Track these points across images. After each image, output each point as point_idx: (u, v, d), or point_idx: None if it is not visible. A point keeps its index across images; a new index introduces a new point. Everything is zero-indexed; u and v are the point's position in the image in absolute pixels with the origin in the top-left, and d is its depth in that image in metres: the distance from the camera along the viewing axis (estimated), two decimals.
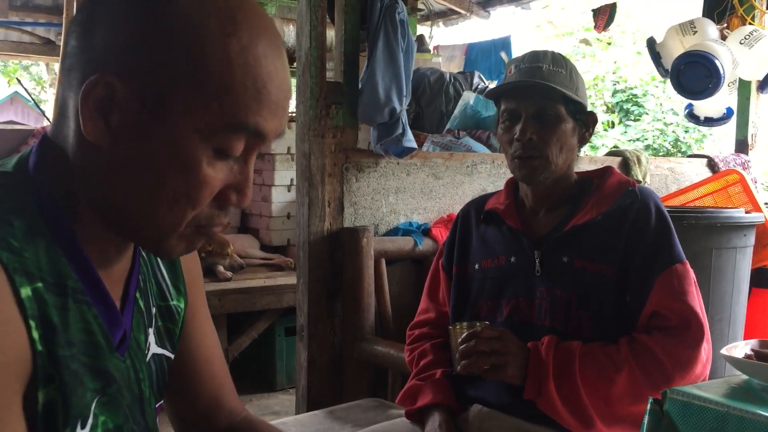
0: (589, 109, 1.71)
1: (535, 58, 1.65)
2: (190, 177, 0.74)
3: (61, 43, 6.03)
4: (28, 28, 7.08)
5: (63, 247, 0.75)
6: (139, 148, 0.73)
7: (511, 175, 1.76)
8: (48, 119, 5.81)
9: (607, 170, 1.73)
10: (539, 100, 1.61)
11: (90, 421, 0.76)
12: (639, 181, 3.39)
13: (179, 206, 0.75)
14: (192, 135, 0.73)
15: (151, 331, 0.92)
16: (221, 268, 3.97)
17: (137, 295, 0.88)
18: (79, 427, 0.74)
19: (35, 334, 0.70)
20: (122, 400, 0.82)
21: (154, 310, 0.93)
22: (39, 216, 0.74)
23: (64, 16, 5.64)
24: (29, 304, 0.70)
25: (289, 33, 5.46)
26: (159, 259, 0.96)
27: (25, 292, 0.70)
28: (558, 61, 1.65)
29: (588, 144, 1.76)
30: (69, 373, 0.73)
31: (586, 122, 1.69)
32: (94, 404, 0.77)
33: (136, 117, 0.72)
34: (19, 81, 8.25)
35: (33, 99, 6.88)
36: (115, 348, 0.81)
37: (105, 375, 0.79)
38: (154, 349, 0.93)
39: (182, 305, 0.99)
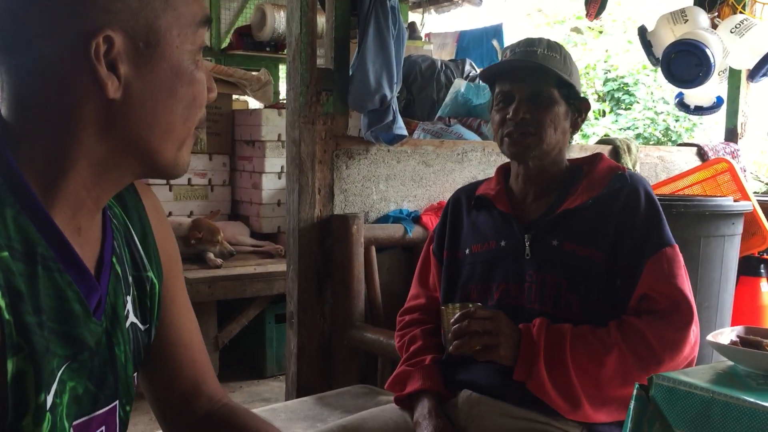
0: (582, 95, 1.72)
1: (530, 43, 1.68)
2: (195, 83, 0.84)
3: None
4: None
5: (31, 216, 0.76)
6: (151, 83, 0.80)
7: (501, 162, 1.77)
8: None
9: (597, 157, 1.74)
10: (533, 82, 1.63)
11: (55, 386, 0.77)
12: (628, 169, 3.39)
13: (191, 115, 0.85)
14: (183, 47, 0.82)
15: (128, 298, 0.92)
16: (211, 255, 3.95)
17: (113, 260, 0.89)
18: (46, 393, 0.75)
19: (2, 302, 0.71)
20: (93, 366, 0.83)
21: (130, 278, 0.94)
22: (6, 188, 0.75)
23: None
24: None
25: (281, 20, 5.43)
26: (132, 229, 0.97)
27: None
28: (553, 46, 1.67)
29: (579, 132, 1.77)
30: (38, 340, 0.74)
31: (579, 108, 1.70)
32: (62, 370, 0.78)
33: (138, 58, 0.79)
34: None
35: None
36: (92, 313, 0.82)
37: (76, 341, 0.80)
38: (132, 317, 0.93)
39: (156, 281, 0.99)
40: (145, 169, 0.85)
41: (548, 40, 1.69)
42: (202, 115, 0.87)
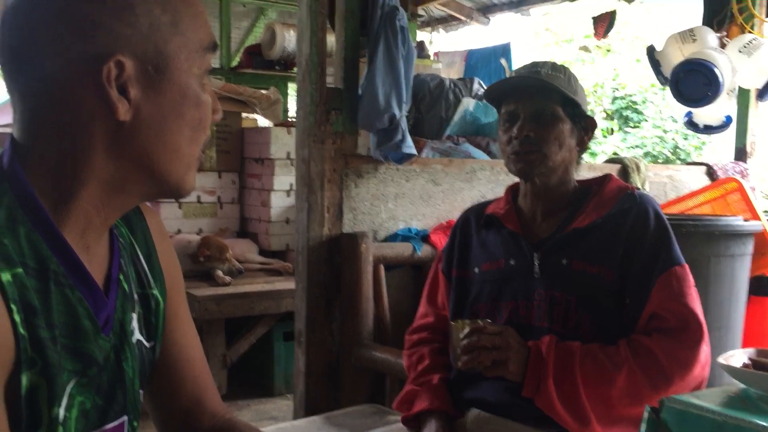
0: (588, 114, 1.73)
1: (535, 65, 1.70)
2: (201, 106, 0.86)
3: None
4: None
5: (43, 234, 0.78)
6: (160, 105, 0.82)
7: (510, 182, 1.77)
8: None
9: (606, 177, 1.74)
10: (537, 100, 1.65)
11: (65, 401, 0.78)
12: (637, 188, 3.39)
13: (197, 137, 0.87)
14: (190, 71, 0.84)
15: (134, 315, 0.94)
16: (220, 273, 3.96)
17: (120, 277, 0.91)
18: (58, 406, 0.77)
19: (17, 318, 0.73)
20: (102, 381, 0.85)
21: (135, 296, 0.95)
22: (18, 206, 0.77)
23: None
24: (10, 289, 0.73)
25: (290, 39, 5.47)
26: (137, 247, 0.98)
27: (5, 277, 0.73)
28: (557, 67, 1.69)
29: (587, 151, 1.77)
30: (52, 355, 0.76)
31: (585, 126, 1.71)
32: (71, 385, 0.79)
33: (148, 81, 0.81)
34: None
35: None
36: (101, 329, 0.84)
37: (86, 357, 0.82)
38: (137, 334, 0.94)
39: (161, 299, 1.01)
40: (152, 190, 0.87)
41: (553, 62, 1.72)
42: (207, 136, 0.89)
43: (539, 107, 1.65)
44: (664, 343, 1.51)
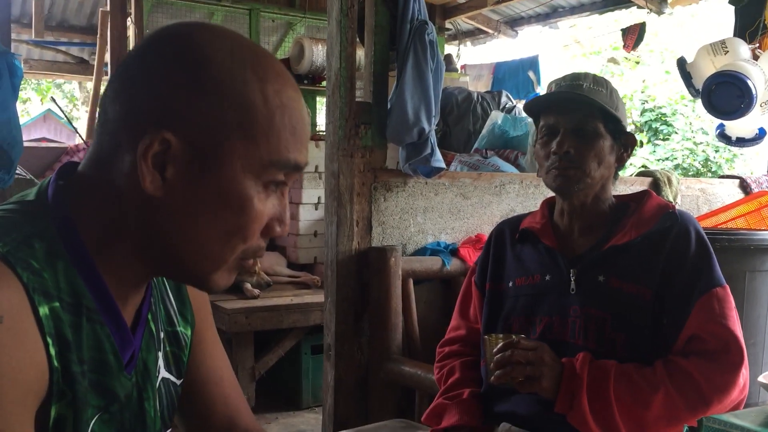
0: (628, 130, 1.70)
1: (576, 77, 1.67)
2: (244, 214, 0.80)
3: (93, 88, 6.10)
4: (63, 48, 7.22)
5: (80, 269, 0.79)
6: (194, 194, 0.79)
7: (543, 196, 1.75)
8: (81, 136, 5.91)
9: (645, 194, 1.72)
10: (578, 115, 1.62)
11: None
12: (677, 204, 3.35)
13: (232, 242, 0.82)
14: (244, 176, 0.79)
15: (160, 354, 0.94)
16: (248, 286, 3.98)
17: (149, 317, 0.91)
18: None
19: (52, 351, 0.74)
20: (123, 419, 0.85)
21: (162, 334, 0.95)
22: (59, 240, 0.78)
23: (98, 36, 5.74)
24: (47, 322, 0.74)
25: (318, 53, 5.51)
26: (167, 285, 0.99)
27: (43, 310, 0.74)
28: (599, 81, 1.66)
29: (625, 168, 1.74)
30: (80, 389, 0.77)
31: (624, 143, 1.68)
32: (93, 421, 0.80)
33: (190, 166, 0.78)
34: (52, 99, 8.39)
35: (66, 116, 7.02)
36: (124, 367, 0.85)
37: (109, 393, 0.82)
38: (163, 373, 0.95)
39: (189, 333, 1.02)
40: (175, 272, 0.86)
41: (594, 75, 1.68)
42: (252, 246, 0.83)
43: (580, 122, 1.61)
44: (702, 367, 1.48)
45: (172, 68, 0.78)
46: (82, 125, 8.49)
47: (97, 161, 0.82)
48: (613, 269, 1.59)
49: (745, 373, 1.50)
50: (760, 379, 1.17)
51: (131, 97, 0.79)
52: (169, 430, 0.97)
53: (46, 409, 0.74)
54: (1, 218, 0.79)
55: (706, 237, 1.61)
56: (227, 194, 0.79)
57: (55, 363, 0.74)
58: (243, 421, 1.10)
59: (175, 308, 1.00)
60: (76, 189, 0.82)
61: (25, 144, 3.22)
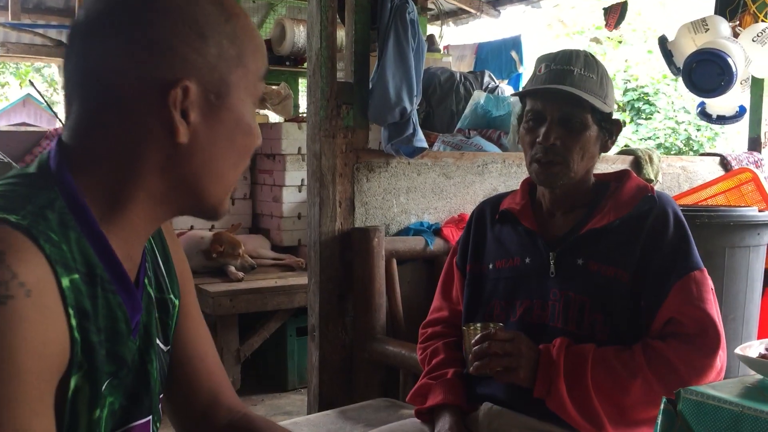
0: (614, 116, 1.67)
1: (568, 59, 1.61)
2: (251, 134, 0.89)
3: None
4: (40, 30, 7.11)
5: (91, 240, 0.79)
6: (215, 131, 0.85)
7: (526, 176, 1.74)
8: (61, 121, 5.85)
9: (624, 174, 1.71)
10: (566, 105, 1.58)
11: (98, 401, 0.80)
12: (651, 180, 3.37)
13: (240, 165, 0.90)
14: (246, 101, 0.88)
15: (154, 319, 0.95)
16: (232, 269, 3.97)
17: (146, 281, 0.92)
18: (101, 409, 0.79)
19: (73, 322, 0.75)
20: (128, 383, 0.86)
21: (154, 300, 0.96)
22: (68, 212, 0.78)
23: (75, 17, 5.66)
24: (69, 294, 0.74)
25: (300, 34, 5.47)
26: (157, 253, 1.00)
27: (65, 282, 0.74)
28: (590, 65, 1.61)
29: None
30: (99, 358, 0.78)
31: (610, 130, 1.66)
32: (104, 386, 0.81)
33: (207, 108, 0.84)
34: (31, 83, 8.28)
35: (45, 101, 6.95)
36: (131, 332, 0.86)
37: (119, 359, 0.84)
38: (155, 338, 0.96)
39: (176, 302, 1.02)
40: (191, 208, 0.90)
41: (585, 56, 1.62)
42: (246, 164, 0.91)
43: (567, 112, 1.57)
44: (680, 350, 1.49)
45: (171, 21, 0.81)
46: (61, 109, 8.40)
47: (91, 129, 0.82)
48: (592, 252, 1.59)
49: (722, 355, 1.51)
50: (737, 351, 1.18)
51: (132, 58, 0.80)
52: (162, 395, 0.98)
53: (65, 381, 0.75)
54: (9, 191, 0.78)
55: (684, 220, 1.61)
56: (239, 121, 0.86)
57: (76, 334, 0.75)
58: (227, 397, 1.12)
59: (164, 275, 1.00)
60: (76, 159, 0.82)
61: (5, 128, 3.18)
